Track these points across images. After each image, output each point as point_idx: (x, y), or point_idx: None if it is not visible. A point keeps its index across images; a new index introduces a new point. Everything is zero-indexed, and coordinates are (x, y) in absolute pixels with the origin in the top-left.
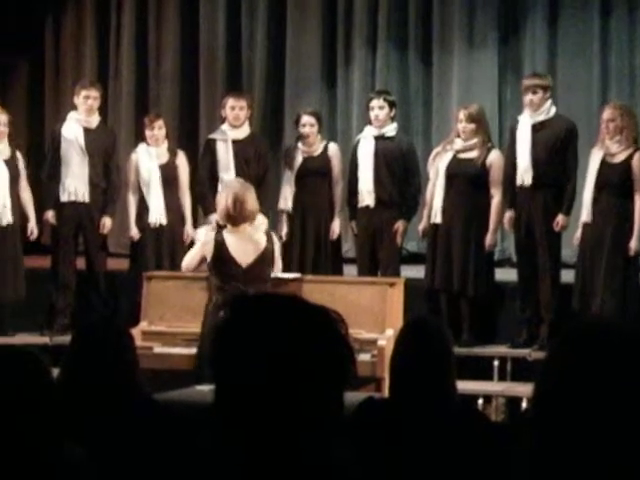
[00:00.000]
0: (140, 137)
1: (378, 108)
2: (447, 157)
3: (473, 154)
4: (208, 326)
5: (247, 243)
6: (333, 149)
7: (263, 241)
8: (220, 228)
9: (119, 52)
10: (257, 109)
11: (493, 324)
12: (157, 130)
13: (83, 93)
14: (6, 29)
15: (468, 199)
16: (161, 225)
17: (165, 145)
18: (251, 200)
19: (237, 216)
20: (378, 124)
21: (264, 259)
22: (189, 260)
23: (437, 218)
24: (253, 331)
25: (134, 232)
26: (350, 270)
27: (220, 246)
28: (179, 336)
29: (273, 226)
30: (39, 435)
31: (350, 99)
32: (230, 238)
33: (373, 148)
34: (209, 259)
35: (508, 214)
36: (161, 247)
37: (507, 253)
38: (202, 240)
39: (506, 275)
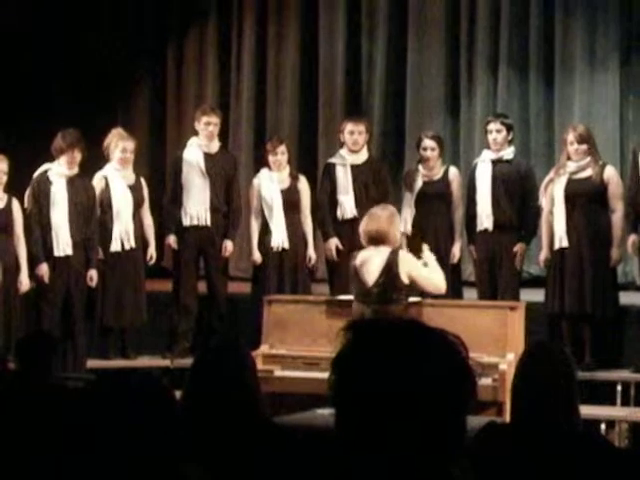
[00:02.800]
0: (260, 161)
1: (496, 131)
2: (562, 181)
3: (588, 173)
4: None
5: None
6: (454, 173)
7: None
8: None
9: (240, 77)
10: (377, 131)
11: (616, 348)
12: (280, 155)
13: (204, 119)
14: (130, 54)
15: (592, 218)
16: (283, 249)
17: (287, 170)
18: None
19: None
20: (496, 147)
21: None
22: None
23: (563, 242)
24: (373, 355)
25: (257, 256)
26: (470, 294)
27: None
28: (299, 360)
29: None
30: (162, 457)
31: (472, 122)
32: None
33: (491, 172)
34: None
35: (632, 238)
36: (283, 271)
37: (630, 276)
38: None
39: (628, 299)
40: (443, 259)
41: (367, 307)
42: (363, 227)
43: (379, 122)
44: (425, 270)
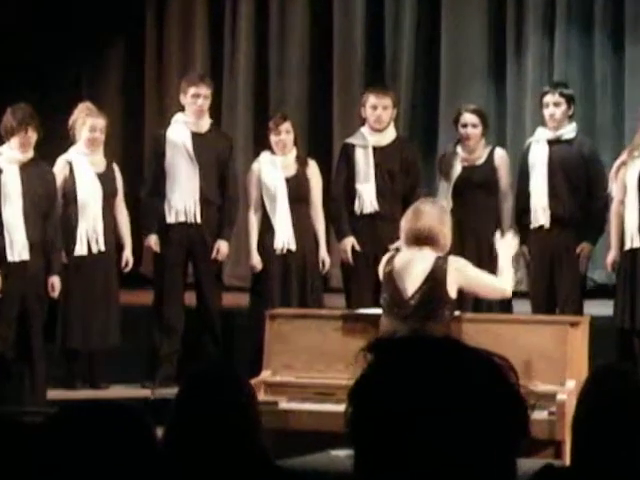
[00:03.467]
0: (261, 144)
1: (553, 105)
2: (636, 165)
3: None
4: None
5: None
6: (500, 156)
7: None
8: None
9: (235, 41)
10: (404, 107)
11: None
12: (284, 135)
13: (192, 91)
14: (99, 11)
15: None
16: (289, 251)
17: (293, 153)
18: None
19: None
20: (553, 124)
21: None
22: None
23: (635, 241)
24: (400, 382)
25: (256, 260)
26: (521, 307)
27: None
28: (310, 389)
29: None
30: None
31: (522, 94)
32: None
33: (547, 154)
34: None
35: None
36: (288, 278)
37: None
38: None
39: None
40: (487, 263)
41: (402, 323)
42: (408, 224)
43: (407, 95)
44: (485, 275)
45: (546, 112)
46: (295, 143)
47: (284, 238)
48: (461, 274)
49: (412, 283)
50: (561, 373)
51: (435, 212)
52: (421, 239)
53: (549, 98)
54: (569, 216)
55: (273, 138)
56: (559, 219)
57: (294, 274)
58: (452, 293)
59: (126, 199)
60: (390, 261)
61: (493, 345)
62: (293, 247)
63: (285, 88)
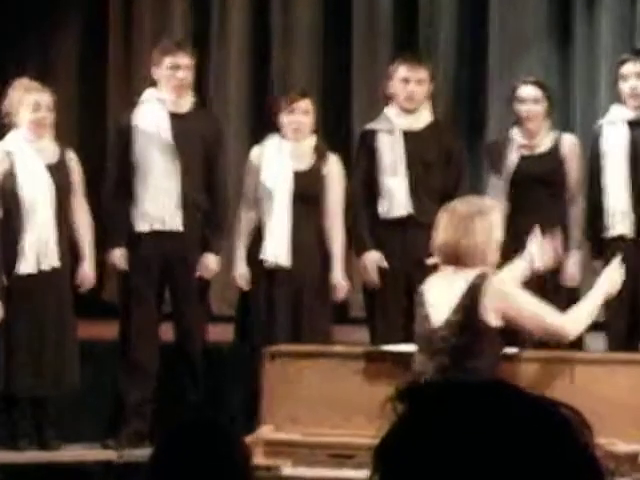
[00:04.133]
0: (259, 130)
1: (635, 76)
2: None
3: None
4: None
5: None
6: (570, 144)
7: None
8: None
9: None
10: (442, 84)
11: None
12: (301, 115)
13: (168, 61)
14: None
15: None
16: (280, 267)
17: (311, 142)
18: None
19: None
20: (635, 103)
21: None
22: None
23: None
24: (437, 441)
25: (241, 272)
26: (595, 341)
27: None
28: (322, 449)
29: None
30: None
31: (595, 62)
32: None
33: (628, 140)
34: None
35: None
36: (277, 304)
37: None
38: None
39: None
40: (550, 281)
41: (430, 360)
42: (443, 235)
43: (446, 67)
44: (539, 305)
45: (625, 86)
46: (315, 130)
47: (277, 248)
48: (504, 298)
49: (441, 310)
50: None
51: (484, 222)
52: (451, 255)
53: (630, 67)
54: None
55: (286, 119)
56: None
57: (283, 298)
58: (492, 321)
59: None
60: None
61: (561, 393)
62: (285, 262)
63: (290, 60)
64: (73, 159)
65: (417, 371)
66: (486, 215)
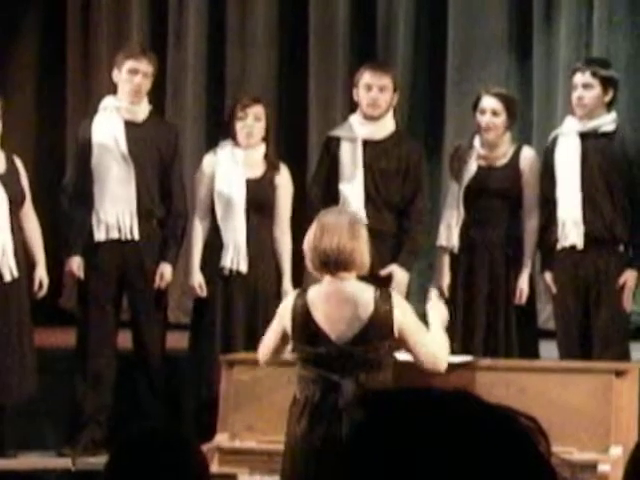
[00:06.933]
0: (216, 137)
1: (582, 87)
2: None
3: None
4: (296, 442)
5: (346, 306)
6: (528, 158)
7: (371, 302)
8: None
9: (183, 4)
10: (403, 92)
11: None
12: (252, 120)
13: (128, 65)
14: None
15: None
16: (239, 274)
17: (261, 150)
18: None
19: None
20: (581, 112)
21: (374, 331)
22: (262, 346)
23: None
24: (400, 447)
25: (197, 280)
26: (550, 350)
27: (302, 314)
28: (278, 457)
29: (421, 273)
30: None
31: (552, 74)
32: (319, 300)
33: (579, 151)
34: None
35: None
36: (233, 310)
37: None
38: (279, 309)
39: None
40: (503, 295)
41: (332, 373)
42: (311, 243)
43: (405, 73)
44: (427, 333)
45: (573, 95)
46: (266, 137)
47: (234, 255)
48: (404, 314)
49: (341, 324)
50: (604, 437)
51: (342, 224)
52: (331, 262)
53: (577, 78)
54: (609, 233)
55: (238, 125)
56: (596, 237)
57: (241, 304)
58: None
59: (37, 207)
60: (299, 297)
61: (516, 401)
62: (243, 268)
63: (246, 65)
64: (19, 165)
65: (306, 390)
66: (356, 221)
